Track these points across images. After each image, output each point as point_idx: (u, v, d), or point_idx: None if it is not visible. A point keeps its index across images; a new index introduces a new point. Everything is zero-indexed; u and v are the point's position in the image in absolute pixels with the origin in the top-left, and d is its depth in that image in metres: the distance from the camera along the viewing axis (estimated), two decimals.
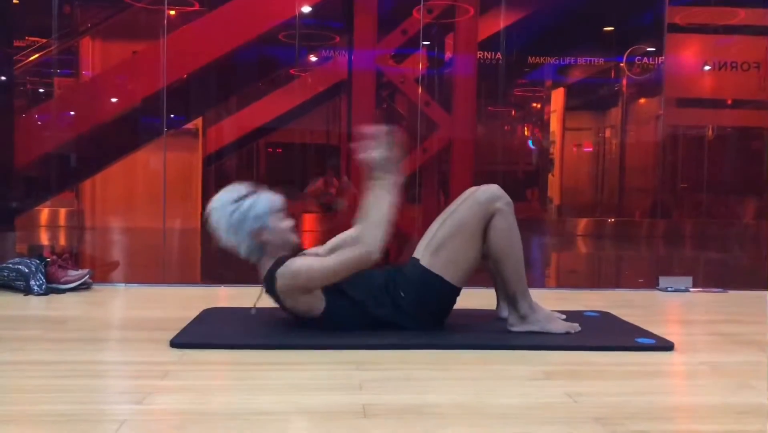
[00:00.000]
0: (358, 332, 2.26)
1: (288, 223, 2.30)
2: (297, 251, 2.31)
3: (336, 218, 6.93)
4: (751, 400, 1.71)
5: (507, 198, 2.30)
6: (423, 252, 2.31)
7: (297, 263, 2.20)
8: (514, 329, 2.32)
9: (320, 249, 2.43)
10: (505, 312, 2.41)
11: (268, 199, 2.26)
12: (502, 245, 2.27)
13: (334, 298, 2.23)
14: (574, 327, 2.33)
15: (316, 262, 2.21)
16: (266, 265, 2.26)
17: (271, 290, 2.24)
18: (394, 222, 2.18)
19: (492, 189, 2.30)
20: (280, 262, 2.22)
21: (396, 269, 2.34)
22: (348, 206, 6.48)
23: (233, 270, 3.13)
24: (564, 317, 2.47)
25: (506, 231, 2.26)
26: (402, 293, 2.26)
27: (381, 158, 2.18)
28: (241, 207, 2.23)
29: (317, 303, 2.22)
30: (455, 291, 2.29)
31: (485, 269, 2.37)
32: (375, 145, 2.17)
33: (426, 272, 2.25)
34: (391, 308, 2.27)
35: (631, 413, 1.58)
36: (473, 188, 2.35)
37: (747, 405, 1.67)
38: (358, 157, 2.19)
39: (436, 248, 2.26)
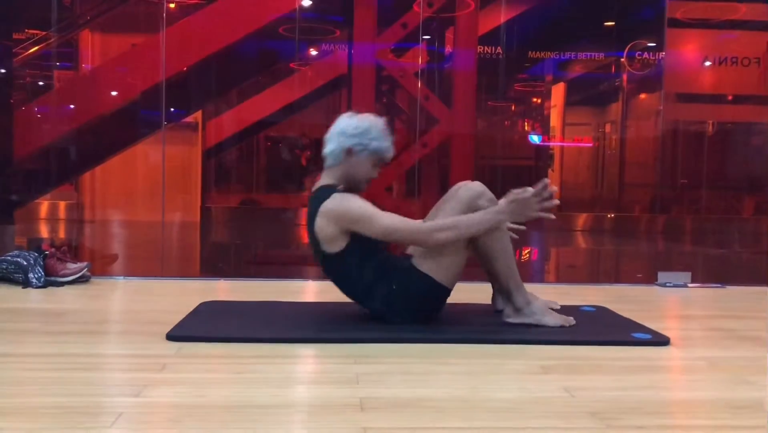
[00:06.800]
0: (356, 326, 2.26)
1: (374, 174, 2.35)
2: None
3: None
4: (748, 395, 1.71)
5: (489, 194, 2.30)
6: (415, 249, 2.32)
7: (361, 201, 2.24)
8: (510, 320, 2.34)
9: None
10: (501, 304, 2.42)
11: (386, 146, 2.33)
12: (489, 243, 2.27)
13: (353, 255, 2.24)
14: (569, 320, 2.34)
15: (376, 211, 2.22)
16: (325, 180, 2.34)
17: (316, 201, 2.26)
18: (463, 239, 2.22)
19: (474, 186, 2.31)
20: (346, 190, 2.29)
21: (397, 259, 2.35)
22: None
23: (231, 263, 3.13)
24: (558, 307, 2.47)
25: (492, 228, 2.26)
26: (394, 286, 2.26)
27: (519, 199, 2.21)
28: (369, 129, 2.31)
29: (338, 244, 2.23)
30: (445, 292, 2.30)
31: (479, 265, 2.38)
32: (532, 191, 2.22)
33: (417, 272, 2.26)
34: (381, 302, 2.28)
35: (627, 407, 1.58)
36: (457, 186, 2.36)
37: (744, 400, 1.67)
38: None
39: (426, 249, 2.26)
